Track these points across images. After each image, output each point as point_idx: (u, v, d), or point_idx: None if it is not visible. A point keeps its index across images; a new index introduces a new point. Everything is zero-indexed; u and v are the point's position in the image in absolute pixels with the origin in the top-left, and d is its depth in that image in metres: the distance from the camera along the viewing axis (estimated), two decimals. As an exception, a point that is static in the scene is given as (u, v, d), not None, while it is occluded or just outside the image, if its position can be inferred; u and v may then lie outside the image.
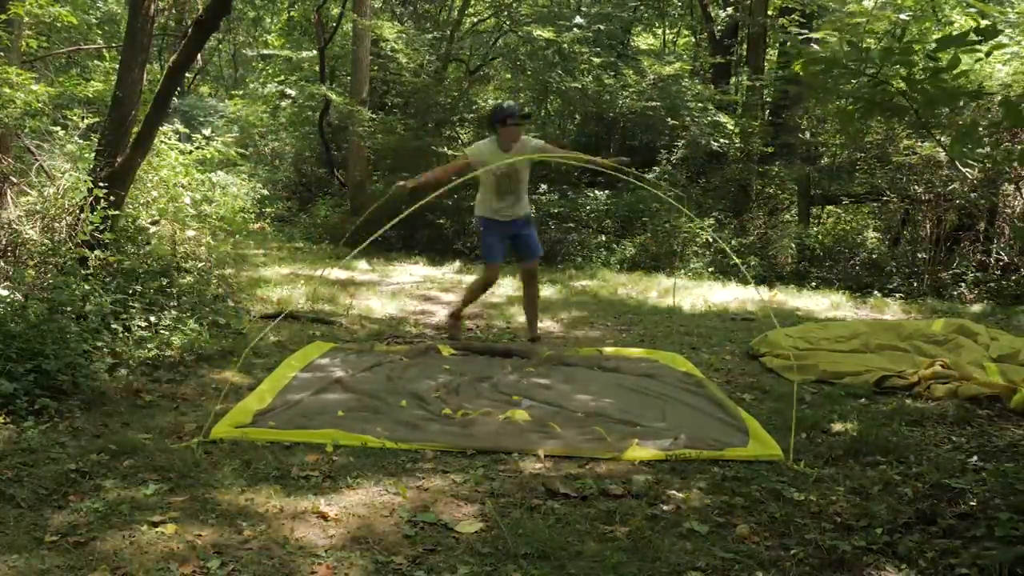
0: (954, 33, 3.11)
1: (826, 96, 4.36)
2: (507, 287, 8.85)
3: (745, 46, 13.99)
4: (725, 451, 3.79)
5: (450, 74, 14.63)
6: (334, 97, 13.10)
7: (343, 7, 15.23)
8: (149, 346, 4.98)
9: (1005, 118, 3.14)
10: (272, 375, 4.84)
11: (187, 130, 8.22)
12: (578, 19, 13.05)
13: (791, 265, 10.67)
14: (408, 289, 8.50)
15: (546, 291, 8.76)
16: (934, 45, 3.16)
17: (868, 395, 4.88)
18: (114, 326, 4.95)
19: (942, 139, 4.38)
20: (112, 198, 5.39)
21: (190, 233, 6.51)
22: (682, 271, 10.54)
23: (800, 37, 6.17)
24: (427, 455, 3.71)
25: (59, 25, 9.01)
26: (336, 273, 9.25)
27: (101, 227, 5.33)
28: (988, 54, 3.21)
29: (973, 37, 2.99)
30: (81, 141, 6.84)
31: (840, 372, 5.22)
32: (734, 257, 5.41)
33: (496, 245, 6.00)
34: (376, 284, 8.72)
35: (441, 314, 7.24)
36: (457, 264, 10.59)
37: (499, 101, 5.84)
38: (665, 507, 3.23)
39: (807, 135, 12.00)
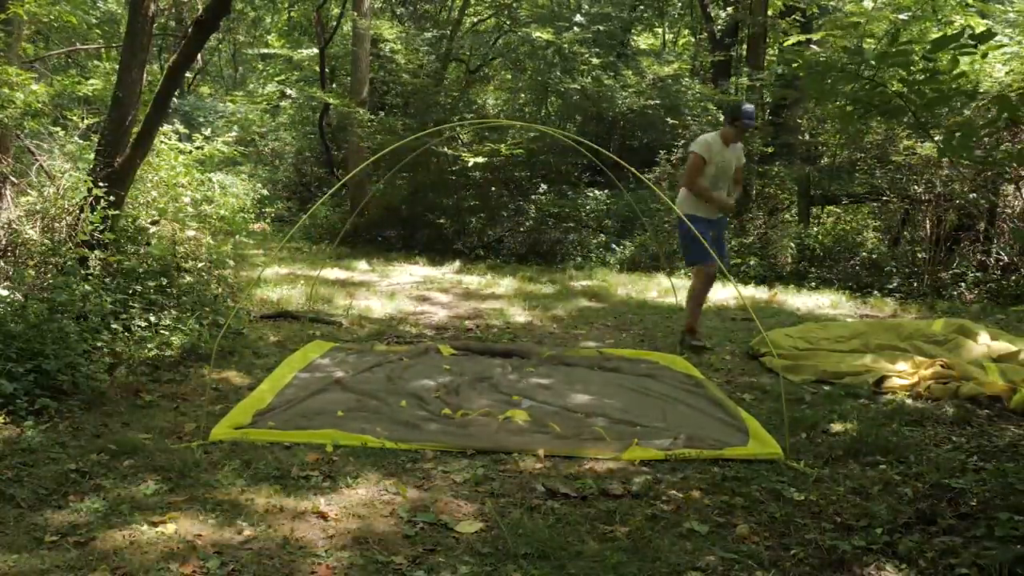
0: (950, 33, 3.11)
1: (824, 99, 4.36)
2: (507, 286, 8.84)
3: (745, 46, 13.98)
4: (724, 450, 3.79)
5: (450, 74, 14.64)
6: (333, 101, 13.10)
7: (343, 7, 15.25)
8: (149, 346, 4.98)
9: (1000, 112, 3.13)
10: (272, 375, 4.84)
11: (187, 130, 8.21)
12: (578, 18, 13.05)
13: (791, 265, 10.65)
14: (408, 289, 8.49)
15: (546, 291, 8.76)
16: (930, 47, 3.16)
17: (868, 395, 4.89)
18: (114, 326, 4.95)
19: (938, 139, 4.38)
20: (112, 198, 5.39)
21: (190, 233, 6.51)
22: (682, 271, 10.52)
23: (798, 39, 6.14)
24: (427, 455, 3.71)
25: (58, 25, 9.01)
26: (335, 273, 9.25)
27: (101, 227, 5.33)
28: (984, 55, 3.22)
29: (966, 40, 2.99)
30: (81, 141, 6.84)
31: (840, 372, 5.22)
32: (726, 271, 5.41)
33: (706, 243, 5.71)
34: (376, 284, 8.72)
35: (441, 314, 7.24)
36: (457, 264, 10.58)
37: (741, 100, 5.85)
38: (665, 507, 3.23)
39: (807, 135, 11.98)
